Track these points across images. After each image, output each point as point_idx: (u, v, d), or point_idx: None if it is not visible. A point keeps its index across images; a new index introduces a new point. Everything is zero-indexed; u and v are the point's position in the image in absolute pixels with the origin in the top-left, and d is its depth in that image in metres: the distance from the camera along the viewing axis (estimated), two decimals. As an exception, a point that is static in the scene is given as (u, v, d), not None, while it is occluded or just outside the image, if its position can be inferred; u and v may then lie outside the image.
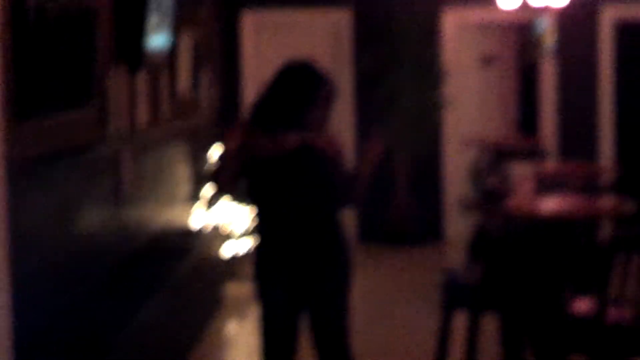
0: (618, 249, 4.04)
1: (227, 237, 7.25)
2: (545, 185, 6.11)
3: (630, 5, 8.97)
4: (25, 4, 3.72)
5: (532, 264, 4.52)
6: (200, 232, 6.75)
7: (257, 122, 3.73)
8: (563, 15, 8.87)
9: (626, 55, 9.27)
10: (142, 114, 5.63)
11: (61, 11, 4.19)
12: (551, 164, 8.39)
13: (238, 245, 7.31)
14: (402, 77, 8.70)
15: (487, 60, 9.42)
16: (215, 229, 7.06)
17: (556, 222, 5.22)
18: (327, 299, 3.76)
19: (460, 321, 4.95)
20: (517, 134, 9.41)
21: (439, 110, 8.90)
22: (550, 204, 5.53)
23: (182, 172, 6.90)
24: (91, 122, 4.68)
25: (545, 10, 8.66)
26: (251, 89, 8.74)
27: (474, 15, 9.10)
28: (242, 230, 7.31)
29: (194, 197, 7.21)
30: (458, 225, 8.82)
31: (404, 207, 8.89)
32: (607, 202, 5.93)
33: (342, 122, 8.72)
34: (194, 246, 6.05)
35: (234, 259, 7.28)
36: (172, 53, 6.21)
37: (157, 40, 5.56)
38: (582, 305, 4.24)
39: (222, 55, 8.78)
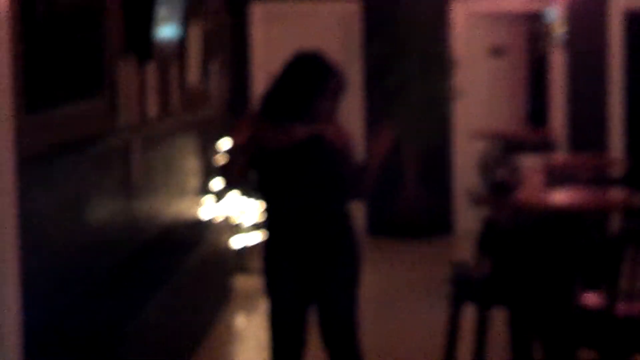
0: (628, 242, 4.02)
1: (237, 229, 7.24)
2: (555, 177, 6.09)
3: (641, -5, 8.94)
4: (35, -4, 3.72)
5: (541, 256, 4.51)
6: (209, 224, 6.75)
7: (266, 114, 3.73)
8: (573, 5, 8.84)
9: (636, 45, 9.23)
10: (152, 105, 5.63)
11: (70, 2, 4.19)
12: (561, 156, 8.37)
13: (247, 238, 7.30)
14: (411, 68, 8.68)
15: (496, 51, 9.39)
16: (225, 221, 7.06)
17: (565, 215, 5.20)
18: (336, 293, 3.76)
19: (469, 315, 4.94)
20: (527, 126, 9.39)
21: (448, 102, 8.88)
22: (560, 197, 5.52)
23: (191, 164, 6.90)
24: (101, 113, 4.68)
25: (555, 0, 8.63)
26: (261, 80, 8.73)
27: (483, 5, 9.07)
28: (252, 223, 7.30)
29: (204, 189, 7.21)
30: (467, 218, 8.80)
31: (412, 200, 8.87)
32: (616, 194, 5.92)
33: (351, 113, 8.71)
34: (204, 238, 6.05)
35: (244, 251, 7.28)
36: (181, 44, 6.21)
37: (167, 31, 5.55)
38: (592, 298, 4.23)
39: (231, 46, 8.77)
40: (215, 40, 7.72)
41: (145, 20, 5.17)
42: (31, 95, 3.73)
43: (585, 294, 4.29)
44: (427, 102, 8.74)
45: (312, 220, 3.72)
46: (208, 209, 7.10)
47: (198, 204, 7.04)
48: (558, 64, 9.05)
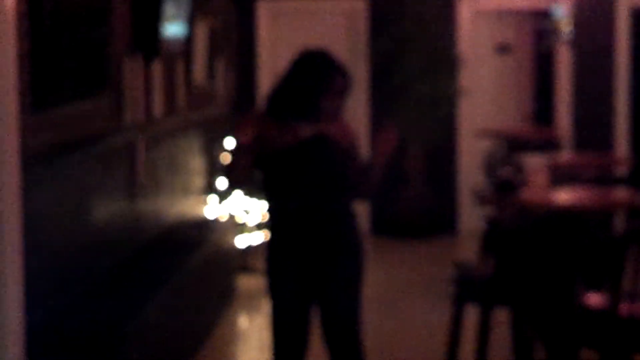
0: (631, 242, 4.02)
1: (241, 229, 7.24)
2: (560, 177, 6.08)
3: (648, -6, 8.92)
4: (41, -5, 3.73)
5: (544, 256, 4.51)
6: (213, 223, 6.75)
7: (271, 112, 3.73)
8: (580, 3, 8.83)
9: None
10: (157, 103, 5.64)
11: (77, 1, 4.20)
12: (565, 155, 8.36)
13: (251, 237, 7.30)
14: (417, 66, 8.68)
15: (503, 49, 9.38)
16: (229, 221, 7.06)
17: (570, 214, 5.20)
18: (339, 292, 3.75)
19: (471, 315, 4.95)
20: (532, 125, 9.38)
21: (453, 100, 8.88)
22: (564, 196, 5.52)
23: (196, 163, 6.91)
24: (106, 111, 4.69)
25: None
26: (267, 78, 8.73)
27: (490, 2, 9.06)
28: (256, 223, 7.31)
29: (208, 188, 7.21)
30: (471, 218, 8.79)
31: (416, 199, 8.86)
32: (621, 193, 5.91)
33: (356, 112, 8.72)
34: (207, 238, 6.05)
35: (247, 251, 7.28)
36: (187, 42, 6.22)
37: (173, 29, 5.57)
38: (595, 298, 4.23)
39: (237, 44, 8.78)
40: (221, 39, 7.73)
41: (152, 19, 5.18)
42: (37, 93, 3.75)
43: (588, 294, 4.29)
44: (433, 100, 8.73)
45: (316, 219, 3.72)
46: (212, 208, 7.11)
47: (202, 203, 7.05)
48: (564, 62, 9.04)
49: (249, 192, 7.19)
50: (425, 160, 8.88)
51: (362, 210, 8.53)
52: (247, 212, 7.31)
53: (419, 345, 5.64)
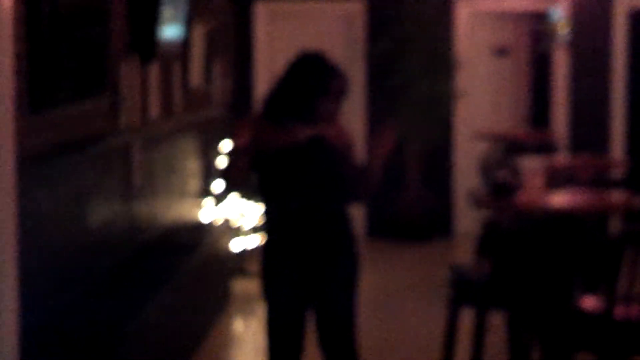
0: (628, 244, 4.02)
1: (237, 232, 7.23)
2: (556, 179, 6.09)
3: (645, -5, 8.94)
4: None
5: (541, 259, 4.52)
6: (209, 226, 6.74)
7: (268, 115, 3.74)
8: (577, 5, 8.84)
9: (640, 45, 9.23)
10: (154, 105, 5.64)
11: (74, 2, 4.20)
12: (562, 158, 8.37)
13: (247, 241, 7.30)
14: (414, 68, 8.68)
15: (500, 51, 9.39)
16: (225, 224, 7.05)
17: (566, 217, 5.20)
18: (335, 294, 3.75)
19: (467, 318, 4.95)
20: (529, 127, 9.38)
21: (450, 101, 8.88)
22: (561, 199, 5.52)
23: (193, 165, 6.90)
24: (103, 113, 4.70)
25: (559, -1, 8.64)
26: (264, 80, 8.74)
27: (487, 4, 9.07)
28: (251, 226, 7.30)
29: (205, 190, 7.21)
30: (468, 220, 8.79)
31: (413, 201, 8.85)
32: (617, 196, 5.92)
33: (353, 114, 8.72)
34: (203, 241, 6.04)
35: (243, 254, 7.26)
36: (184, 44, 6.22)
37: (170, 31, 5.57)
38: (590, 301, 4.23)
39: (235, 46, 8.79)
40: (218, 41, 7.73)
41: (149, 21, 5.18)
42: (34, 94, 3.75)
43: (584, 297, 4.29)
44: (430, 102, 8.74)
45: (312, 221, 3.72)
46: (208, 211, 7.10)
47: (198, 206, 7.04)
48: (561, 64, 9.05)
49: (245, 195, 7.18)
50: (422, 162, 8.88)
51: (358, 213, 8.54)
52: (243, 215, 7.30)
53: (415, 348, 5.65)
